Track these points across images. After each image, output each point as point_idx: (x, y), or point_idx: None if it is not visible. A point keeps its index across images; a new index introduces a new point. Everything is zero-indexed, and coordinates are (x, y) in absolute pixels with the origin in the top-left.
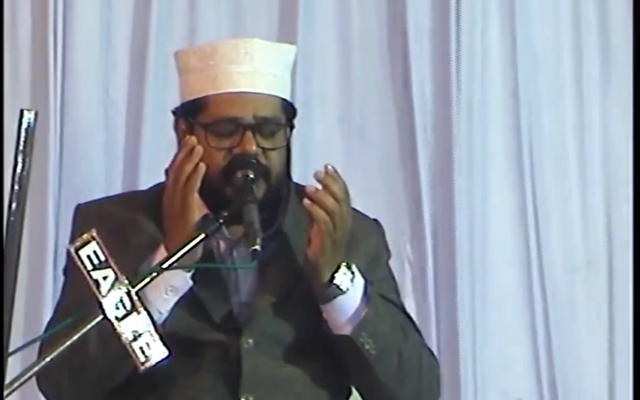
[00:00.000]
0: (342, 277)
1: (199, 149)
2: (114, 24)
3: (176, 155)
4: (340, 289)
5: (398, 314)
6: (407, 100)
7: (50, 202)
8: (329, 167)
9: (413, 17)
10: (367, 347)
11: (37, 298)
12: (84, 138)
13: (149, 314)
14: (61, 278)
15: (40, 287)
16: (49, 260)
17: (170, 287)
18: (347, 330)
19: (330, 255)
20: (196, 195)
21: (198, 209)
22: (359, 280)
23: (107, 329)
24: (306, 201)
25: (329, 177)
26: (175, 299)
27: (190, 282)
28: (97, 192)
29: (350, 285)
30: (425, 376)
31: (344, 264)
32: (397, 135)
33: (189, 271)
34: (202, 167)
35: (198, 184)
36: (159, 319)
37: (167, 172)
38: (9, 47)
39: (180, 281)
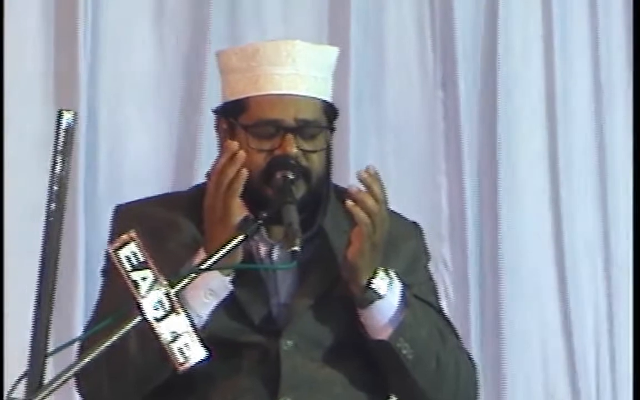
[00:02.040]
0: (379, 282)
1: (242, 154)
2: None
3: (218, 159)
4: (378, 294)
5: (436, 318)
6: (452, 100)
7: (81, 203)
8: (371, 167)
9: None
10: (404, 351)
11: (68, 299)
12: (116, 138)
13: (187, 314)
14: (92, 279)
15: (71, 289)
16: (80, 262)
17: (210, 291)
18: (384, 335)
19: (368, 258)
20: (237, 199)
21: (239, 212)
22: (397, 285)
23: (147, 330)
24: (349, 202)
25: (370, 177)
26: (215, 302)
27: (230, 286)
28: (130, 193)
29: (388, 290)
30: (463, 380)
31: (382, 268)
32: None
33: (228, 274)
34: (244, 172)
35: (240, 189)
36: (199, 322)
37: (208, 175)
38: (41, 44)
39: (219, 285)
